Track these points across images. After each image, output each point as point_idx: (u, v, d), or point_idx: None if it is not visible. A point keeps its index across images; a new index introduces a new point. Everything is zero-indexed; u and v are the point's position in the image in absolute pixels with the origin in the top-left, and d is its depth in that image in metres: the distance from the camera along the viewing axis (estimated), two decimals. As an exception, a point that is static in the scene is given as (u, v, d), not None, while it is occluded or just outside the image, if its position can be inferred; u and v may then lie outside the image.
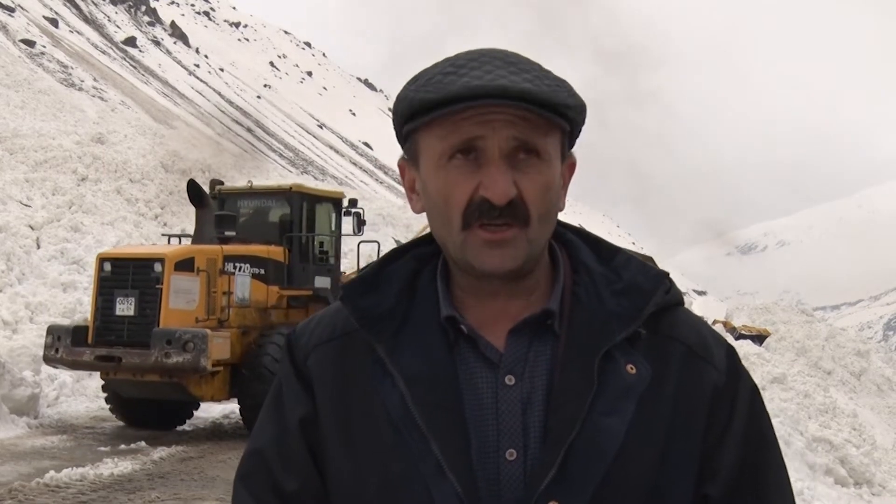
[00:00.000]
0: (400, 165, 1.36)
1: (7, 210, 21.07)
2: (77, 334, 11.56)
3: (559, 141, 1.29)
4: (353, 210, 13.96)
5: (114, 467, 9.13)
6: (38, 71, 52.21)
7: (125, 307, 11.48)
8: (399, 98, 1.30)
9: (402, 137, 1.32)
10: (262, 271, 12.61)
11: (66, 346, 11.47)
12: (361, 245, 14.17)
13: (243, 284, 12.26)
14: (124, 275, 11.64)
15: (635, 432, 1.25)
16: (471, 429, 1.27)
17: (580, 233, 1.40)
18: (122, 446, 10.70)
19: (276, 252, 12.92)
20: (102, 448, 10.51)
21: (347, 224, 14.22)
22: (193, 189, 13.14)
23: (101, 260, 12.05)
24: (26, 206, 22.21)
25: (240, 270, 12.28)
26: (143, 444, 10.63)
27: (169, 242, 14.62)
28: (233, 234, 12.61)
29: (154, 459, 9.72)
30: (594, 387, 1.25)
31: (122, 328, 11.47)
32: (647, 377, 1.28)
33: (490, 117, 1.23)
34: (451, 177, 1.27)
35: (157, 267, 11.50)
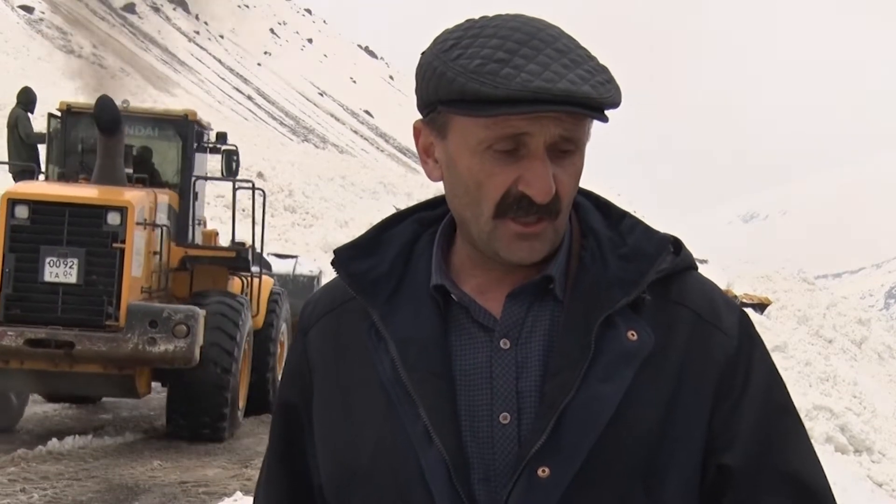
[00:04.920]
0: (416, 128, 1.30)
1: (10, 180, 21.04)
2: None
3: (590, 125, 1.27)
4: (224, 147, 10.73)
5: (116, 435, 9.18)
6: (37, 37, 51.93)
7: (61, 272, 8.41)
8: (434, 69, 1.22)
9: (429, 106, 1.26)
10: (169, 224, 9.67)
11: None
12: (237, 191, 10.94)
13: (162, 242, 9.53)
14: (56, 224, 8.50)
15: (632, 400, 1.22)
16: (462, 393, 1.25)
17: (590, 195, 1.37)
18: (125, 414, 10.76)
19: (175, 199, 10.03)
20: (105, 416, 10.57)
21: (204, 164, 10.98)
22: (106, 109, 9.05)
23: (13, 202, 8.48)
24: (27, 174, 22.17)
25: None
26: (145, 412, 10.68)
27: None
28: (130, 171, 9.62)
29: (156, 427, 9.78)
30: (591, 352, 1.22)
31: (53, 301, 8.46)
32: (650, 344, 1.24)
33: (541, 115, 1.19)
34: (488, 165, 1.22)
35: (114, 218, 8.57)
